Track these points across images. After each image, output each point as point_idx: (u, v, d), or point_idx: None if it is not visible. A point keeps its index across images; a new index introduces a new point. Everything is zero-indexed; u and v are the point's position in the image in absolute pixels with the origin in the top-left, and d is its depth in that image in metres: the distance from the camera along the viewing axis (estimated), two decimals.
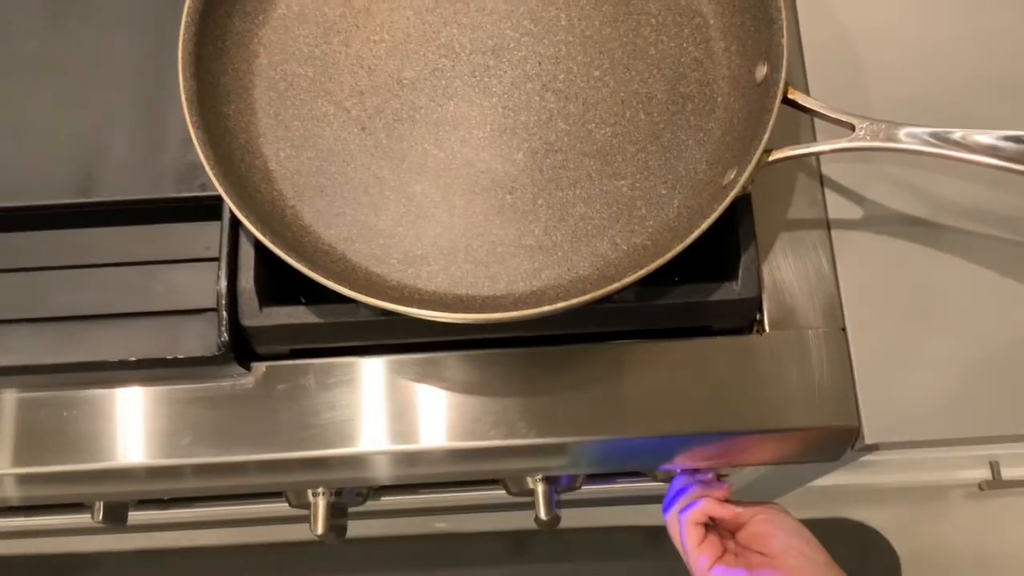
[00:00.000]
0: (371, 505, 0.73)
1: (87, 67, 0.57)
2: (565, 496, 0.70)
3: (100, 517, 0.63)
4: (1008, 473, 0.96)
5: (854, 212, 0.56)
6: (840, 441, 0.53)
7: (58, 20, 0.59)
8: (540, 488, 0.64)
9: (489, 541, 1.18)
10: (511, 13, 0.57)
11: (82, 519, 0.68)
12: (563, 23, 0.56)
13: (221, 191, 0.49)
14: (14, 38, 0.58)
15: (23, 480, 0.52)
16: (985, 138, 0.47)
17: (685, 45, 0.55)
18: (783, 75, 0.49)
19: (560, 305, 0.46)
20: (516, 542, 1.19)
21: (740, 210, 0.52)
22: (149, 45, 0.57)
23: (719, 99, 0.54)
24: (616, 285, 0.46)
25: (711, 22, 0.55)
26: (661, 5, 0.56)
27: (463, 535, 1.17)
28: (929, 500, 1.22)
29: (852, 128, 0.49)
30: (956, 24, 0.60)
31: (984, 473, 0.97)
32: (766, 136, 0.48)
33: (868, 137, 0.49)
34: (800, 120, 0.57)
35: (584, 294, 0.46)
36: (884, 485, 1.10)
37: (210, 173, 0.49)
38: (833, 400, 0.52)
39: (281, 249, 0.47)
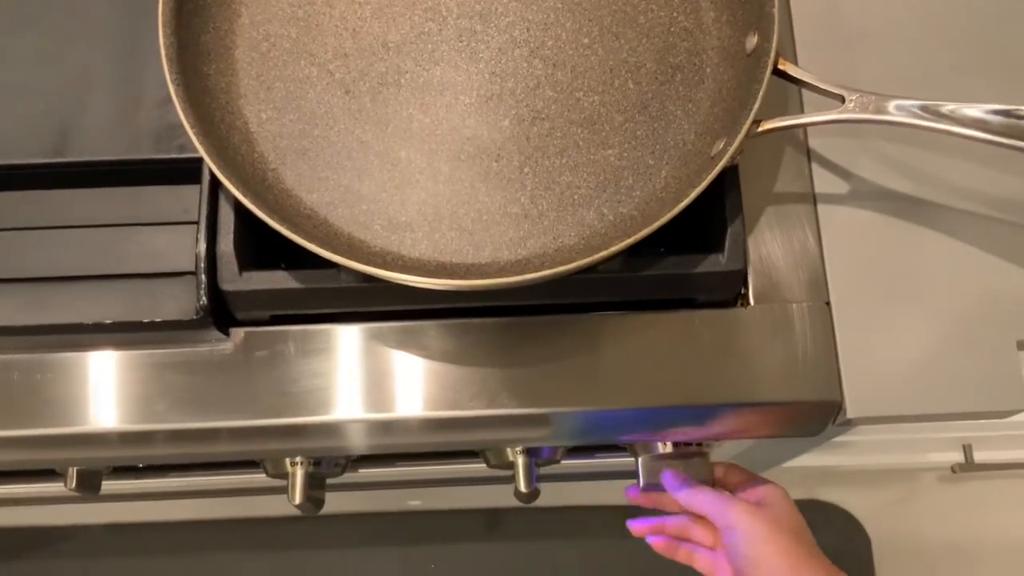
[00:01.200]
0: (350, 477, 0.72)
1: (63, 22, 0.56)
2: (545, 470, 0.70)
3: (73, 485, 0.62)
4: (981, 456, 0.97)
5: (840, 187, 0.55)
6: (822, 415, 0.53)
7: None
8: (520, 460, 0.64)
9: (464, 518, 1.17)
10: None
11: (55, 487, 0.67)
12: None
13: (202, 151, 0.48)
14: None
15: None
16: (975, 112, 0.47)
17: (675, 14, 0.55)
18: (774, 45, 0.49)
19: (544, 273, 0.45)
20: (491, 520, 1.18)
21: (727, 182, 0.52)
22: (127, 1, 0.56)
23: (708, 69, 0.54)
24: (602, 254, 0.45)
25: None
26: None
27: (438, 512, 1.17)
28: (902, 483, 1.23)
29: (842, 100, 0.49)
30: None
31: (957, 456, 0.98)
32: (756, 106, 0.47)
33: (857, 109, 0.48)
34: (788, 93, 0.56)
35: (569, 263, 0.45)
36: (858, 467, 1.11)
37: (191, 133, 0.48)
38: (816, 374, 0.52)
39: (263, 212, 0.46)
